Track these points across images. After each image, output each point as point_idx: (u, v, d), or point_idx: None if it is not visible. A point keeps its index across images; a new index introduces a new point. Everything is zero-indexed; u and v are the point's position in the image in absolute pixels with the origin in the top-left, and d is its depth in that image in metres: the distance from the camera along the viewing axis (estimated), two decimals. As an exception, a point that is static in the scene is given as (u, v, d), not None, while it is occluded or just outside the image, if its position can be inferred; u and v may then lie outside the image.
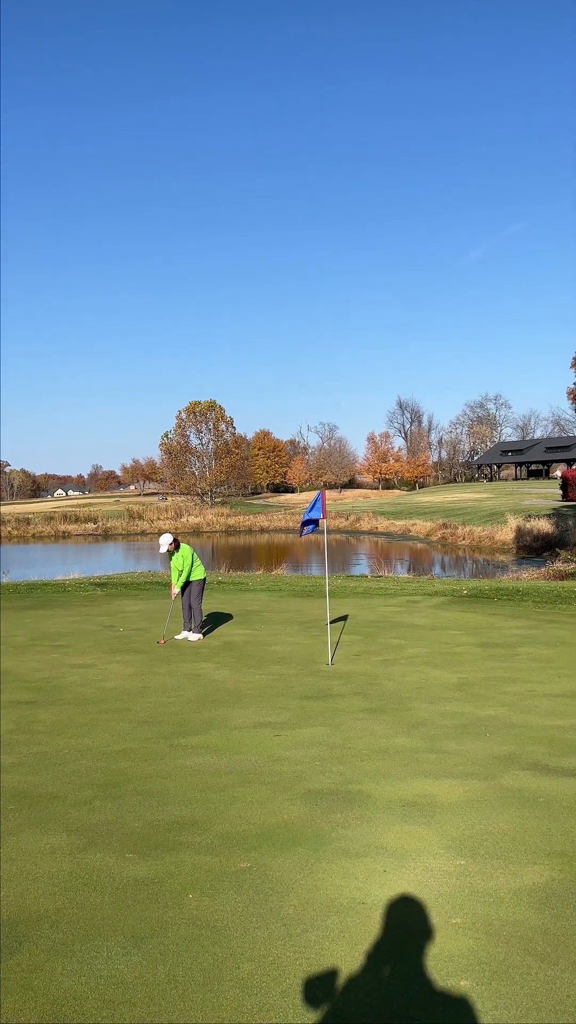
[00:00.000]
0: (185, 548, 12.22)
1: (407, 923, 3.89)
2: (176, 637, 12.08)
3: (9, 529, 72.58)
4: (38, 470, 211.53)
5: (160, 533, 62.79)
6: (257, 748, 6.67)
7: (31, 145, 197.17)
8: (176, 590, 12.15)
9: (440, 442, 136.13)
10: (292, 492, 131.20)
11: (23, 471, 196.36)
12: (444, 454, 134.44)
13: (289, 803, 5.43)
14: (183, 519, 78.53)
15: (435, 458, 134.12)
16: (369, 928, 3.84)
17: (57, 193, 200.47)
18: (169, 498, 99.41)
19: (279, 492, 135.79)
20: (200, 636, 12.13)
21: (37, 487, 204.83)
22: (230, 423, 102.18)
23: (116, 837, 4.91)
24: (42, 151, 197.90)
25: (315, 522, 10.84)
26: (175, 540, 12.21)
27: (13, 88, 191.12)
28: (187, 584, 12.25)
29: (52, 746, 6.81)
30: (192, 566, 12.16)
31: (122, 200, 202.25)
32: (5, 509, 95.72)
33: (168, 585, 19.69)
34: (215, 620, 13.85)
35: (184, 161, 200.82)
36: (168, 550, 12.19)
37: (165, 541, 12.16)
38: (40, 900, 4.12)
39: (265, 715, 7.72)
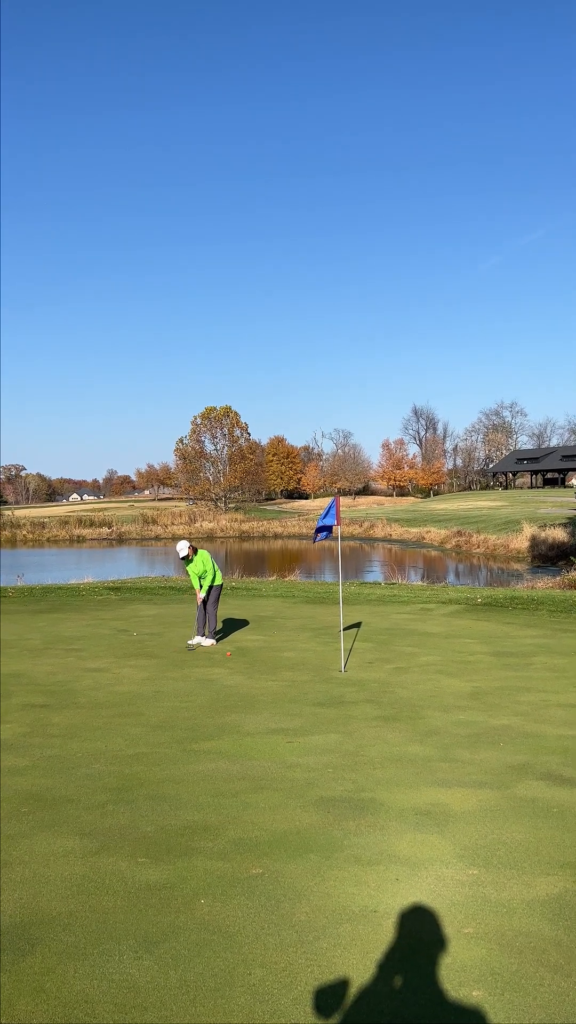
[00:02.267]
0: (203, 553, 12.24)
1: (419, 932, 3.87)
2: (190, 643, 12.08)
3: (24, 533, 72.95)
4: (54, 474, 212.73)
5: (175, 539, 62.76)
6: (270, 754, 6.67)
7: (39, 154, 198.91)
8: (202, 595, 12.11)
9: (455, 449, 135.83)
10: (306, 498, 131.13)
11: (39, 475, 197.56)
12: (459, 461, 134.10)
13: (301, 810, 5.42)
14: (197, 524, 78.66)
15: (450, 465, 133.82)
16: (381, 937, 3.83)
17: (69, 198, 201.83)
18: (186, 503, 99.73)
19: (293, 498, 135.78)
20: (213, 642, 12.13)
21: (53, 491, 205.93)
22: (245, 429, 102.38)
23: (129, 841, 4.92)
24: (48, 158, 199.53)
25: (328, 528, 10.84)
26: (192, 546, 12.22)
27: (15, 95, 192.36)
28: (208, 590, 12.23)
29: (65, 749, 6.83)
30: (213, 571, 12.18)
31: (136, 206, 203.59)
32: (21, 513, 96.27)
33: (190, 590, 19.74)
34: (228, 626, 13.86)
35: (200, 168, 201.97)
36: (187, 555, 12.19)
37: (183, 547, 12.19)
38: (53, 903, 4.14)
39: (278, 721, 7.71)
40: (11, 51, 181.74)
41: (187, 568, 12.36)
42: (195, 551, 12.24)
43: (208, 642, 12.06)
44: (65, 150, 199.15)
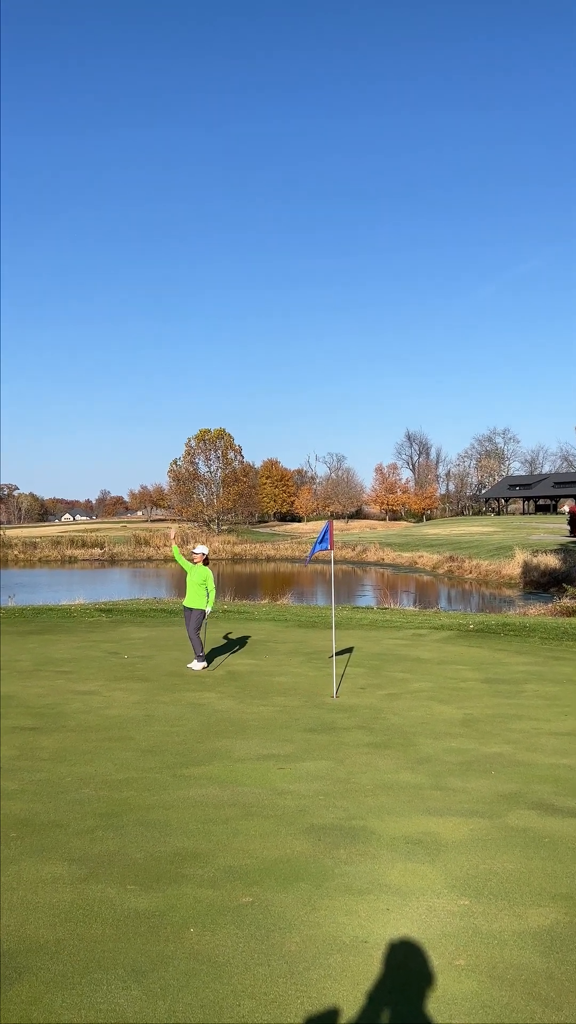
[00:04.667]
0: (210, 571, 12.21)
1: (410, 964, 3.85)
2: (190, 666, 11.94)
3: (16, 553, 72.70)
4: (46, 494, 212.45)
5: (167, 560, 62.38)
6: (260, 780, 6.64)
7: (36, 174, 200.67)
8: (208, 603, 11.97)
9: (448, 475, 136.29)
10: (299, 521, 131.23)
11: (31, 495, 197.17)
12: (452, 487, 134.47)
13: (292, 837, 5.39)
14: (189, 546, 78.49)
15: (443, 491, 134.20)
16: (371, 968, 3.80)
17: (61, 219, 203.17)
18: (177, 524, 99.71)
19: (286, 521, 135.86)
20: (204, 665, 12.08)
21: (45, 511, 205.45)
22: (239, 451, 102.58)
23: (118, 868, 4.88)
24: (45, 179, 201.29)
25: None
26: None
27: (15, 115, 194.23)
28: (192, 611, 12.11)
29: (54, 773, 6.78)
30: (214, 593, 12.13)
31: (132, 227, 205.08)
32: (12, 533, 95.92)
33: (182, 613, 19.67)
34: (219, 649, 13.82)
35: (196, 190, 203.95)
36: (202, 559, 12.16)
37: (204, 550, 12.25)
38: (41, 930, 4.10)
39: (269, 747, 7.68)
40: (11, 50, 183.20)
41: (195, 570, 12.09)
42: (206, 562, 12.26)
43: (199, 665, 12.00)
44: (62, 172, 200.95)
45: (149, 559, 72.42)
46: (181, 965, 3.79)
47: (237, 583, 46.35)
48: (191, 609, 12.09)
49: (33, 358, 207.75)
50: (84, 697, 9.89)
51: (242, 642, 14.81)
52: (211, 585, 12.07)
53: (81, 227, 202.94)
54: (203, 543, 13.81)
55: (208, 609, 12.03)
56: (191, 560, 12.28)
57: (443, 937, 4.09)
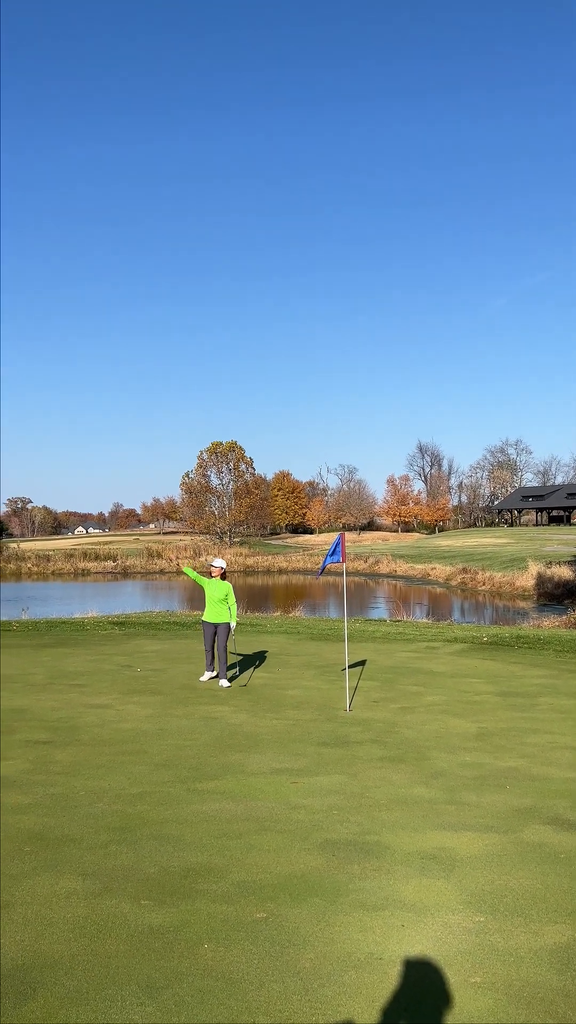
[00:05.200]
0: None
1: (425, 981, 3.82)
2: (222, 684, 11.57)
3: (30, 566, 73.05)
4: (60, 507, 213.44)
5: (179, 573, 62.32)
6: (274, 795, 6.62)
7: (44, 187, 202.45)
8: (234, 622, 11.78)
9: (460, 486, 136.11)
10: (311, 533, 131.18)
11: (45, 508, 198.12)
12: (464, 498, 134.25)
13: (306, 852, 5.37)
14: (202, 558, 78.58)
15: (455, 502, 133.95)
16: (386, 985, 3.78)
17: (74, 225, 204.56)
18: (191, 537, 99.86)
19: (298, 533, 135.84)
20: (227, 683, 11.81)
21: (58, 524, 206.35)
22: (250, 464, 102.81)
23: (132, 883, 4.88)
24: (55, 190, 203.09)
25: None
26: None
27: (23, 127, 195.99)
28: (217, 626, 11.86)
29: (68, 787, 6.79)
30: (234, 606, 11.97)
31: (141, 238, 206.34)
32: (26, 546, 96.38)
33: (195, 624, 19.68)
34: (232, 663, 13.81)
35: (207, 202, 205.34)
36: (220, 572, 12.01)
37: (222, 564, 12.11)
38: (55, 946, 4.10)
39: (282, 761, 7.66)
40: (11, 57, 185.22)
41: (214, 584, 11.87)
42: (223, 576, 12.09)
43: (223, 683, 11.75)
44: (71, 184, 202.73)
45: (162, 572, 72.55)
46: (195, 982, 3.78)
47: (249, 595, 46.35)
48: (213, 624, 11.88)
49: (46, 372, 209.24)
50: (97, 711, 9.91)
51: (254, 655, 14.80)
52: (232, 599, 11.94)
53: (89, 238, 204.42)
54: (220, 556, 13.53)
55: (233, 624, 11.88)
56: (209, 574, 12.16)
57: (458, 954, 4.06)
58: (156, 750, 8.04)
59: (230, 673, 11.96)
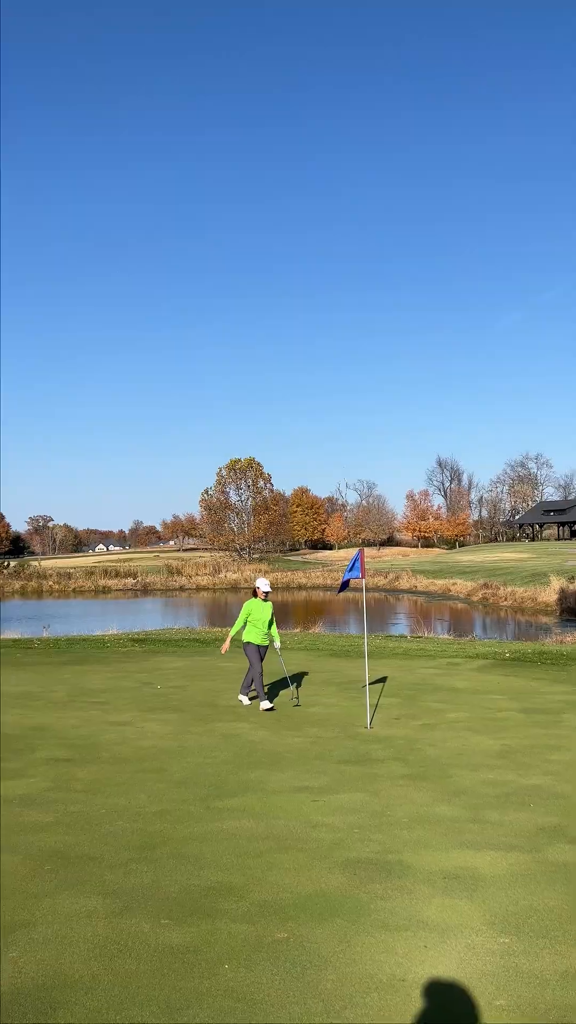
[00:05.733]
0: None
1: (449, 1004, 3.76)
2: (264, 706, 11.10)
3: (51, 583, 73.43)
4: (80, 525, 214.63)
5: (199, 589, 62.06)
6: (294, 813, 6.57)
7: (67, 203, 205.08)
8: (277, 645, 11.46)
9: (480, 501, 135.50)
10: (330, 549, 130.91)
11: (65, 526, 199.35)
12: (485, 513, 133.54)
13: (327, 872, 5.32)
14: (221, 575, 78.69)
15: (475, 517, 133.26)
16: (410, 1008, 3.72)
17: (95, 246, 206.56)
18: (210, 554, 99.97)
19: (317, 549, 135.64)
20: (248, 701, 11.64)
21: (79, 542, 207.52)
22: (268, 480, 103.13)
23: (152, 902, 4.85)
24: (73, 210, 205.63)
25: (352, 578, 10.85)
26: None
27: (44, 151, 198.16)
28: (262, 648, 11.51)
29: (89, 805, 6.78)
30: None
31: (158, 256, 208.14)
32: (47, 563, 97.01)
33: (215, 642, 19.67)
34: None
35: (221, 221, 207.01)
36: (265, 593, 11.64)
37: (266, 584, 11.74)
38: (76, 965, 4.08)
39: (302, 779, 7.61)
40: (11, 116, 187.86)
41: (264, 606, 11.53)
42: (261, 595, 11.64)
43: (248, 701, 11.51)
44: (91, 200, 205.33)
45: (181, 588, 72.67)
46: (216, 1002, 3.74)
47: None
48: (261, 646, 11.48)
49: (66, 390, 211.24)
50: (118, 728, 9.91)
51: (275, 672, 14.75)
52: (273, 620, 11.70)
53: (105, 252, 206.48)
54: (263, 576, 13.09)
55: (278, 644, 11.71)
56: (257, 595, 11.63)
57: (483, 976, 4.00)
58: (176, 768, 8.02)
59: (252, 693, 11.87)
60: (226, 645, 11.82)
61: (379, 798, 6.98)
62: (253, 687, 11.60)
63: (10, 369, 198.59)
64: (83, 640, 20.53)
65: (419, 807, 6.73)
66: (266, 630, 11.59)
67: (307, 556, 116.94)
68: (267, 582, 11.95)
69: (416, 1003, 3.76)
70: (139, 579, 75.96)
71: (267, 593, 11.72)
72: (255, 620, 11.53)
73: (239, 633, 11.80)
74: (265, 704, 11.12)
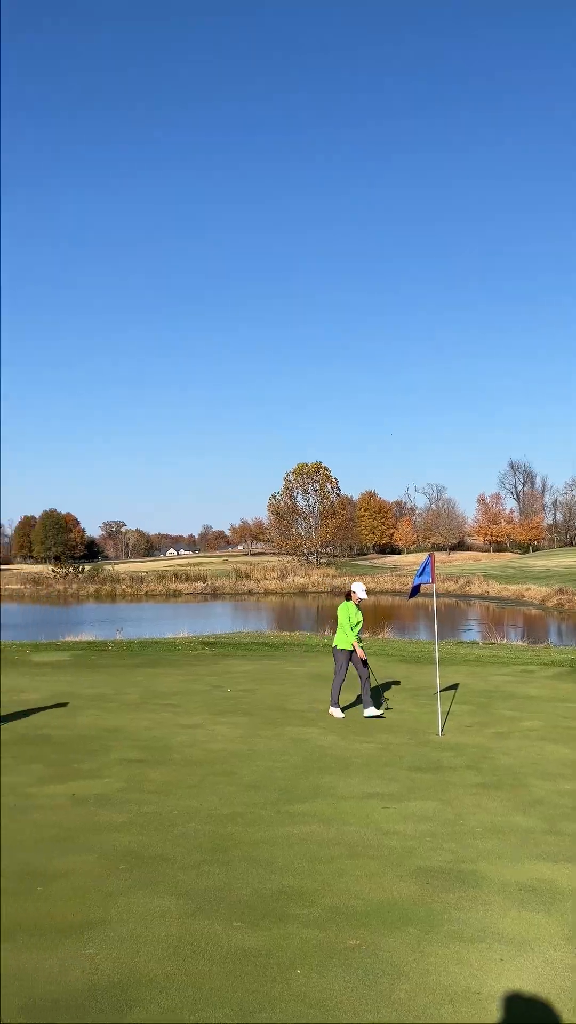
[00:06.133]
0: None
1: (525, 1019, 3.67)
2: (366, 714, 10.86)
3: (124, 587, 74.99)
4: (152, 530, 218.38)
5: (267, 593, 62.18)
6: (365, 820, 6.53)
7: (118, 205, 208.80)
8: (361, 651, 11.07)
9: (555, 504, 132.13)
10: (399, 553, 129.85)
11: (138, 531, 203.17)
12: (560, 516, 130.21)
13: (399, 880, 5.26)
14: (289, 579, 78.93)
15: (549, 520, 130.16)
16: (485, 1021, 3.65)
17: (152, 243, 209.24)
18: (278, 558, 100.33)
19: (385, 553, 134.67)
20: (378, 712, 11.02)
21: (151, 546, 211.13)
22: (335, 484, 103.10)
23: (224, 904, 4.89)
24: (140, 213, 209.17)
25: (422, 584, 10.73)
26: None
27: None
28: (353, 652, 11.15)
29: (161, 806, 6.88)
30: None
31: (222, 258, 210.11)
32: (121, 568, 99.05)
33: (284, 646, 19.75)
34: (322, 684, 13.76)
35: (298, 222, 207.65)
36: (359, 600, 11.33)
37: (363, 590, 11.39)
38: (150, 964, 4.13)
39: (373, 785, 7.55)
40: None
41: (350, 613, 11.18)
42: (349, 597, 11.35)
43: (372, 711, 10.90)
44: (150, 201, 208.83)
45: (250, 592, 73.21)
46: (289, 1007, 3.74)
47: (336, 617, 46.15)
48: (351, 651, 11.14)
49: (136, 396, 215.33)
50: (189, 730, 10.03)
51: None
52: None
53: (165, 251, 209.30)
54: (359, 581, 12.30)
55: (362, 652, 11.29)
56: (352, 599, 11.32)
57: (561, 992, 3.89)
58: (246, 771, 8.07)
59: (385, 706, 11.47)
60: (360, 652, 11.13)
61: (452, 807, 6.87)
62: (361, 699, 11.12)
63: (82, 380, 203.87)
64: (155, 643, 20.86)
65: (493, 816, 6.60)
66: (357, 636, 11.26)
67: (375, 561, 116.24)
68: (363, 587, 11.59)
69: (492, 1017, 3.68)
70: (208, 583, 76.85)
71: (361, 599, 11.38)
72: (351, 624, 11.15)
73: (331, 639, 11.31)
74: (336, 712, 11.01)
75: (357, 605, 11.41)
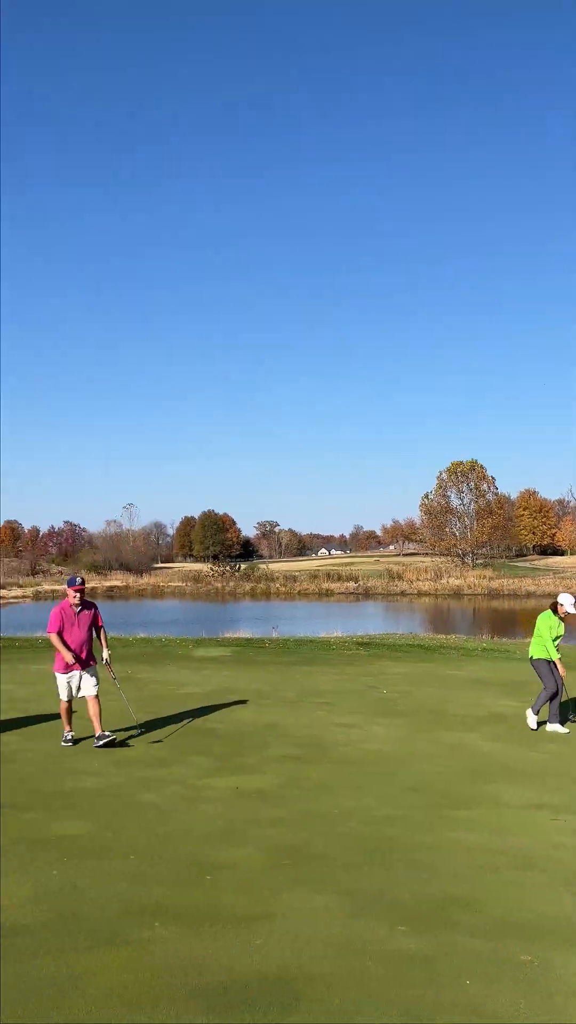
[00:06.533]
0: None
1: None
2: (548, 728, 10.30)
3: (278, 586, 76.47)
4: (304, 530, 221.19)
5: (420, 595, 60.96)
6: (532, 831, 6.28)
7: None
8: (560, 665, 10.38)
9: None
10: (562, 554, 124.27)
11: (291, 531, 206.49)
12: None
13: (572, 896, 5.02)
14: (443, 580, 77.53)
15: None
16: None
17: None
18: (431, 559, 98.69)
19: (547, 554, 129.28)
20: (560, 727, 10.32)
21: (303, 546, 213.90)
22: (492, 483, 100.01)
23: (386, 906, 4.85)
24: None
25: None
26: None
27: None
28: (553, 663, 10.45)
29: (320, 804, 6.93)
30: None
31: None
32: (274, 567, 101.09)
33: (441, 649, 19.44)
34: (481, 689, 13.40)
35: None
36: (564, 612, 10.57)
37: (571, 603, 10.47)
38: (314, 961, 4.17)
39: (540, 795, 7.26)
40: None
41: (552, 625, 10.58)
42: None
43: (563, 729, 10.28)
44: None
45: (403, 593, 72.52)
46: (458, 1016, 3.65)
47: (493, 620, 44.82)
48: (550, 660, 10.50)
49: (287, 398, 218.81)
50: (344, 730, 10.05)
51: (504, 682, 14.24)
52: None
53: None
54: (567, 593, 10.97)
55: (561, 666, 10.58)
56: (558, 611, 10.59)
57: None
58: (405, 774, 7.98)
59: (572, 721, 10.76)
60: (562, 668, 10.43)
61: (626, 822, 6.48)
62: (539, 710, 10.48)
63: (241, 384, 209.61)
64: (310, 641, 21.10)
65: None
66: (554, 648, 10.53)
67: (535, 562, 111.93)
68: (572, 600, 10.55)
69: None
70: (360, 583, 76.87)
71: (568, 613, 10.51)
72: (548, 637, 10.49)
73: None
74: (559, 728, 10.24)
75: (561, 618, 10.55)
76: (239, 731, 9.85)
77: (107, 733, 8.86)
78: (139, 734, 9.33)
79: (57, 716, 9.35)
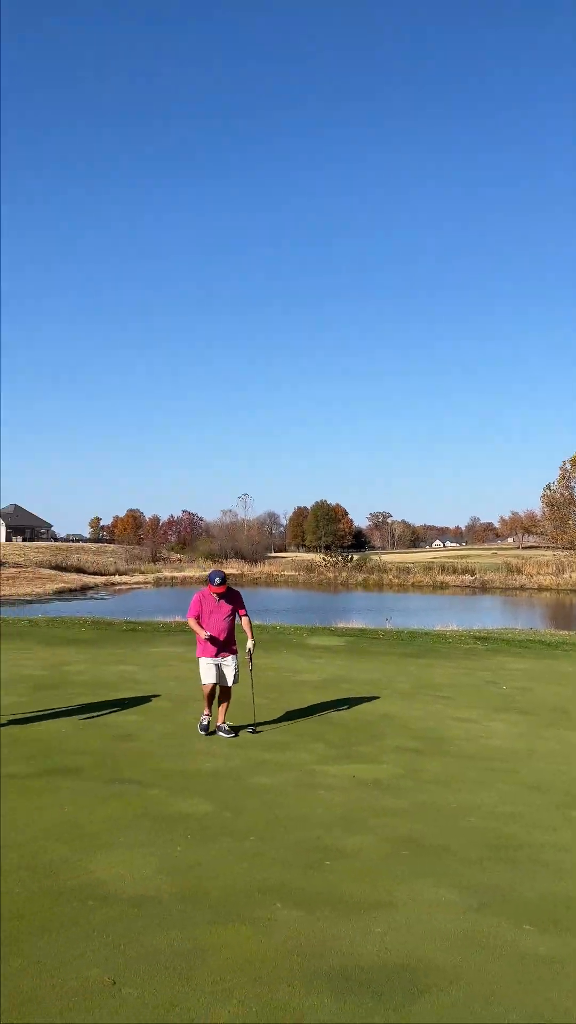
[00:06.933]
0: None
1: None
2: None
3: (391, 577, 75.93)
4: (417, 521, 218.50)
5: (541, 589, 59.01)
6: None
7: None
8: None
9: None
10: None
11: (403, 522, 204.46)
12: None
13: None
14: (565, 575, 74.77)
15: None
16: None
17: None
18: (552, 553, 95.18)
19: None
20: None
21: (416, 538, 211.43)
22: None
23: (510, 904, 4.74)
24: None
25: None
26: None
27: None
28: None
29: (439, 797, 6.84)
30: None
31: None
32: (387, 558, 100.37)
33: (563, 645, 18.81)
34: (606, 686, 12.85)
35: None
36: None
37: None
38: (437, 953, 4.13)
39: None
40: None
41: None
42: None
43: None
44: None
45: (522, 588, 70.49)
46: (587, 1023, 3.53)
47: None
48: None
49: (408, 391, 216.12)
50: (463, 724, 9.88)
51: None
52: None
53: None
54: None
55: None
56: None
57: None
58: (527, 771, 7.77)
59: None
60: None
61: None
62: None
63: (358, 375, 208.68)
64: (424, 634, 20.84)
65: None
66: None
67: None
68: None
69: None
70: (477, 576, 75.24)
71: None
72: None
73: None
74: None
75: None
76: (355, 720, 9.85)
77: (228, 727, 8.96)
78: (254, 733, 9.19)
79: (175, 699, 9.56)
